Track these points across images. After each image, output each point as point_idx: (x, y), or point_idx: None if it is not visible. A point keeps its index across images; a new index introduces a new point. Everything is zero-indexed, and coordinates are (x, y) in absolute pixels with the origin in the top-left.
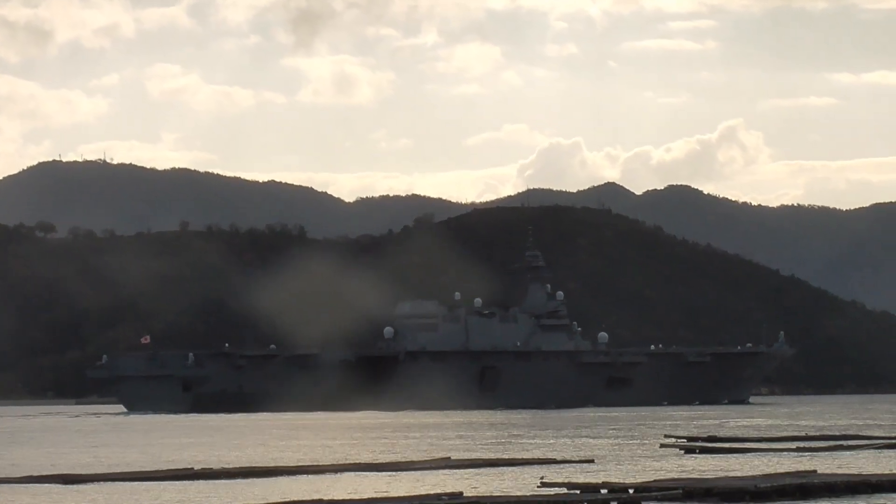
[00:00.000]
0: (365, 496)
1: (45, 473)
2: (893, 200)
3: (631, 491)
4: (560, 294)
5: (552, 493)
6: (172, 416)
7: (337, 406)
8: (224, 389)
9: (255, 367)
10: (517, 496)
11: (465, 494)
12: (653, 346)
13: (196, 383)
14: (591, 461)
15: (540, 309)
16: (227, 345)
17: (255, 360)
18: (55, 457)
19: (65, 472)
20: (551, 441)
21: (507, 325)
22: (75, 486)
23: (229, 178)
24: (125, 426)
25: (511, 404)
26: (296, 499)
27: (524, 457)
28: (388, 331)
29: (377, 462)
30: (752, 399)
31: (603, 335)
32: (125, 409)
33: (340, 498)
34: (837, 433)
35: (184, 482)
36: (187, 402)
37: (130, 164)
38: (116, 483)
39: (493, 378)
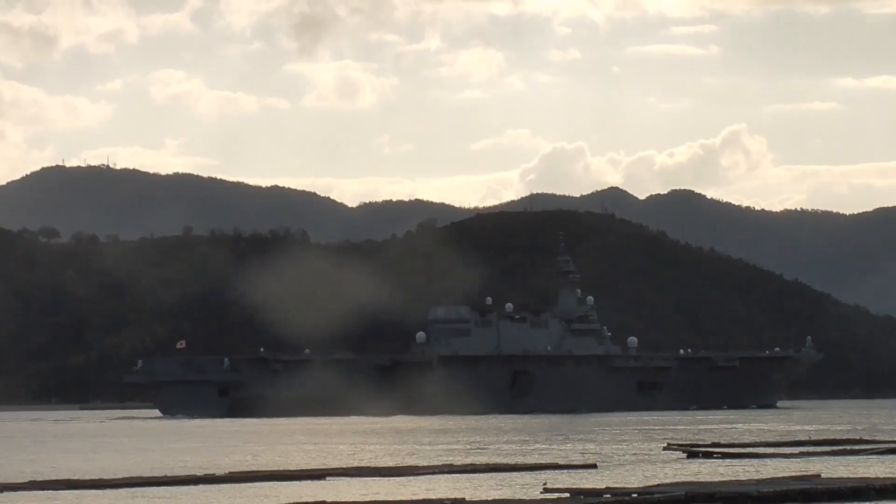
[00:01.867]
0: (367, 500)
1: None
2: None
3: (634, 495)
4: (590, 299)
5: (555, 497)
6: (207, 421)
7: (370, 411)
8: (260, 394)
9: (290, 371)
10: (520, 500)
11: (466, 500)
12: (682, 351)
13: (232, 388)
14: (594, 466)
15: (571, 313)
16: (261, 349)
17: (291, 364)
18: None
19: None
20: (555, 447)
21: (538, 329)
22: (78, 492)
23: (232, 183)
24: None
25: (543, 409)
26: (298, 502)
27: (527, 462)
28: (420, 336)
29: (379, 466)
30: (779, 404)
31: (632, 339)
32: (160, 414)
33: (342, 501)
34: (841, 437)
35: (186, 487)
36: (223, 406)
37: (134, 169)
38: (110, 490)
39: (525, 383)
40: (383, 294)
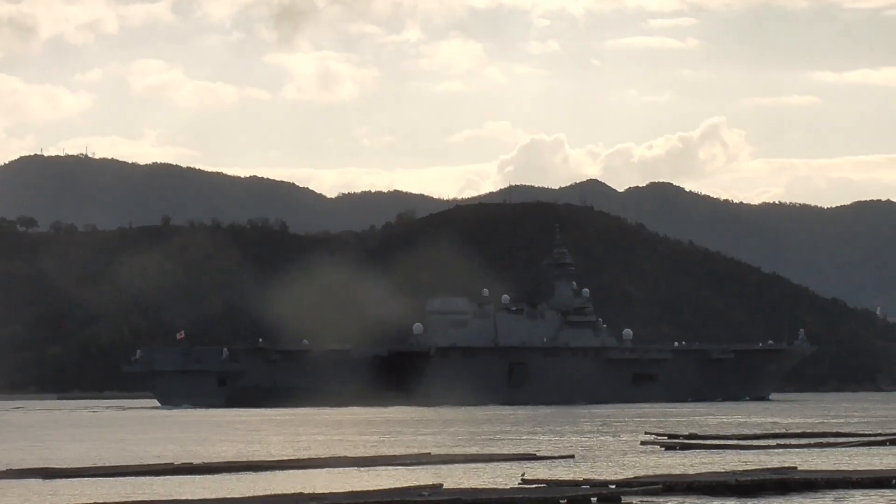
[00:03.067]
0: (345, 490)
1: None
2: (875, 198)
3: (612, 486)
4: (586, 291)
5: (533, 488)
6: (200, 411)
7: (368, 402)
8: (258, 384)
9: (288, 362)
10: (498, 490)
11: (444, 487)
12: (676, 343)
13: (231, 378)
14: (572, 457)
15: (567, 305)
16: (260, 340)
17: (289, 355)
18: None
19: (45, 467)
20: (533, 437)
21: (534, 321)
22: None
23: (211, 173)
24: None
25: (539, 400)
26: (277, 492)
27: (505, 452)
28: (417, 327)
29: (357, 457)
30: (772, 396)
31: (627, 332)
32: (158, 404)
33: (321, 492)
34: (819, 430)
35: (164, 477)
36: (222, 396)
37: (113, 158)
38: (94, 479)
39: (522, 374)
40: (366, 285)
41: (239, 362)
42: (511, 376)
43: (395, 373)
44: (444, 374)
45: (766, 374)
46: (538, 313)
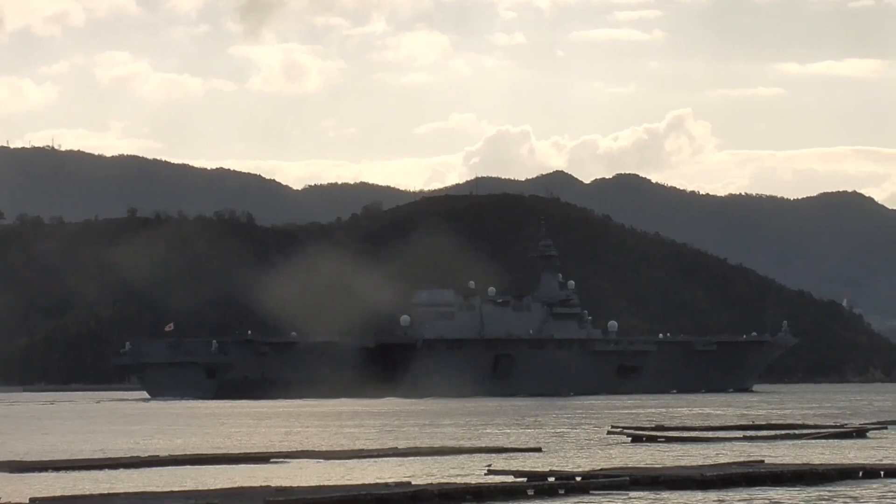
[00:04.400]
0: (312, 484)
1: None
2: (840, 190)
3: (578, 479)
4: (571, 283)
5: (500, 480)
6: (194, 402)
7: (356, 393)
8: (247, 376)
9: (277, 354)
10: (465, 484)
11: (413, 483)
12: (661, 335)
13: (220, 370)
14: (539, 450)
15: (552, 297)
16: (249, 332)
17: (278, 347)
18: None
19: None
20: (500, 430)
21: (520, 313)
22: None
23: (177, 165)
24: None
25: (524, 392)
26: (243, 485)
27: (473, 445)
28: (404, 318)
29: (324, 450)
30: (755, 388)
31: (612, 324)
32: (148, 396)
33: (288, 485)
34: (785, 422)
35: (129, 470)
36: (211, 388)
37: (79, 150)
38: (65, 472)
39: (507, 365)
40: (351, 277)
41: (228, 354)
42: (497, 368)
43: (382, 364)
44: (431, 366)
45: (749, 366)
46: (524, 305)
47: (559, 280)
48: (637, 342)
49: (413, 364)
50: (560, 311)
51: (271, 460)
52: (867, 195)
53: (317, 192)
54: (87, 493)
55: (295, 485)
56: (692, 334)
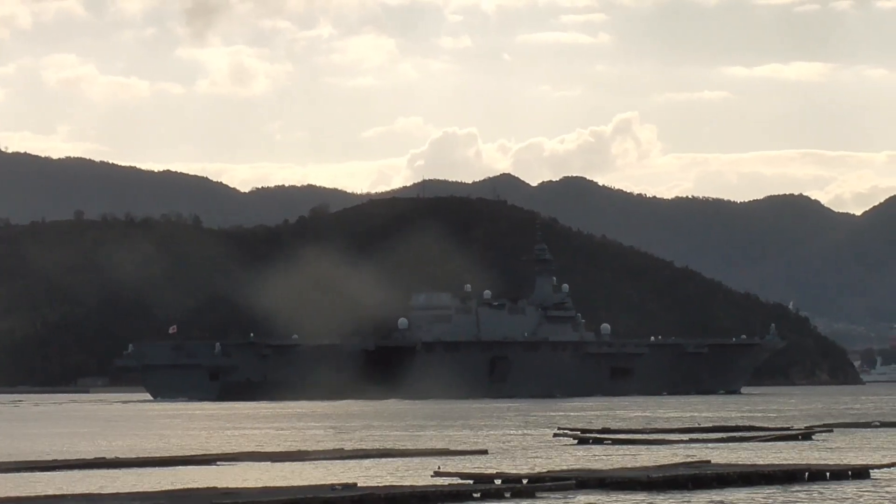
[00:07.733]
0: (258, 486)
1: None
2: (786, 193)
3: (525, 481)
4: (566, 286)
5: (446, 483)
6: (195, 404)
7: (356, 395)
8: (249, 378)
9: (279, 356)
10: (411, 486)
11: (358, 485)
12: (653, 338)
13: (223, 372)
14: (485, 452)
15: (547, 301)
16: (251, 335)
17: (280, 349)
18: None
19: None
20: (449, 433)
21: (515, 316)
22: None
23: (124, 167)
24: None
25: (519, 393)
26: (189, 487)
27: (419, 447)
28: (402, 322)
29: (269, 452)
30: (743, 390)
31: (605, 326)
32: (151, 397)
33: (234, 487)
34: (731, 424)
35: (76, 472)
36: (214, 390)
37: (25, 153)
38: (12, 474)
39: (503, 368)
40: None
41: (231, 357)
42: (493, 370)
43: (381, 367)
44: (429, 368)
45: (738, 369)
46: (519, 308)
47: (553, 283)
48: (629, 345)
49: (412, 366)
50: (554, 314)
51: (217, 462)
52: (813, 198)
53: (264, 195)
54: (35, 494)
55: (241, 486)
56: (639, 338)
